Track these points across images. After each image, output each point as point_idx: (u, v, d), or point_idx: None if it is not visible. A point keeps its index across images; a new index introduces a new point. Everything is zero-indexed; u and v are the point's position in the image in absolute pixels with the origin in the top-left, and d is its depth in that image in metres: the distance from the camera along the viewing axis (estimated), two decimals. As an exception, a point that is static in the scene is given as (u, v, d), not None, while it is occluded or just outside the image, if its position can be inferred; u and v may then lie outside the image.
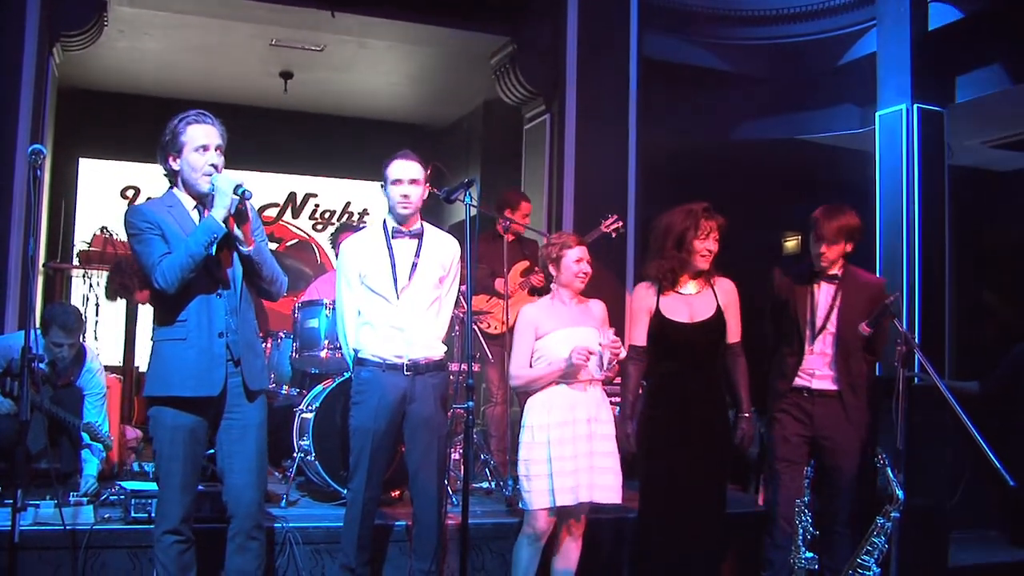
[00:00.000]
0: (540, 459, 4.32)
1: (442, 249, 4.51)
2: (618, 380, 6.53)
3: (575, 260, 4.49)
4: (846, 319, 4.62)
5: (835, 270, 4.72)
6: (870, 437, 4.61)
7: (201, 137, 3.77)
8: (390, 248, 4.40)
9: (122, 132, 9.87)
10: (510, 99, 8.61)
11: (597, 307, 4.61)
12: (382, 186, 4.46)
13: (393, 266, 4.36)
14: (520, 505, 4.48)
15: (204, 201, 3.82)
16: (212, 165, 3.76)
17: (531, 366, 4.45)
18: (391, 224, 4.45)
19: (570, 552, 4.52)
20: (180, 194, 3.85)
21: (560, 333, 4.40)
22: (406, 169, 4.39)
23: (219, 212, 3.70)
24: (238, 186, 3.71)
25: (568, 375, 4.37)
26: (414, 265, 4.39)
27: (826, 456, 4.63)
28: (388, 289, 4.35)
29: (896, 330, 4.42)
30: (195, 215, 3.82)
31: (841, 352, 4.64)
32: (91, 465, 5.37)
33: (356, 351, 4.43)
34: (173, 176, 3.85)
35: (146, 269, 3.71)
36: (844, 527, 4.55)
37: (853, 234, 4.67)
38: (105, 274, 7.49)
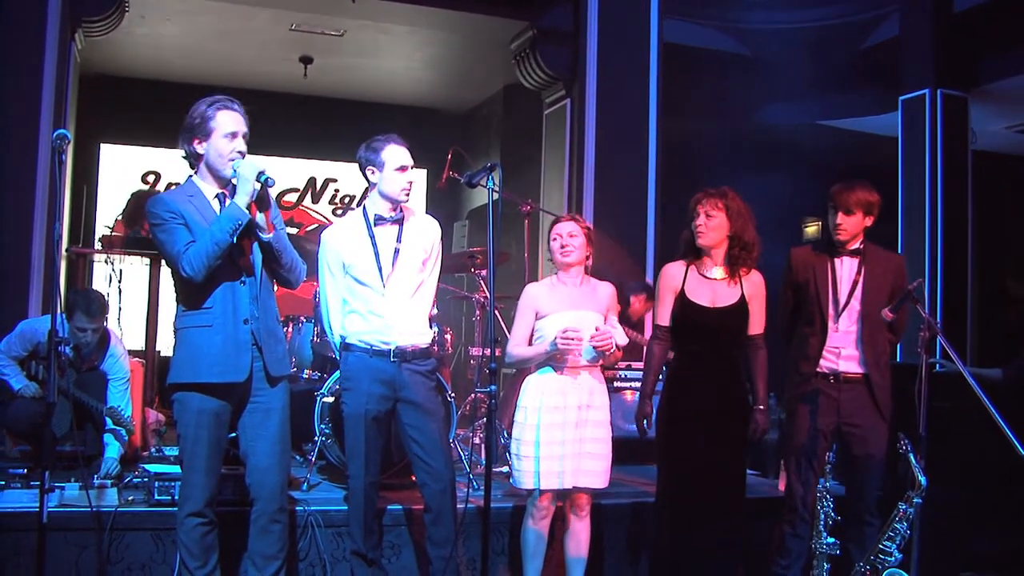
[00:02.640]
0: (529, 441, 4.33)
1: (424, 232, 4.45)
2: (622, 365, 6.61)
3: (553, 237, 4.48)
4: (870, 294, 4.53)
5: (856, 244, 4.63)
6: (893, 422, 4.53)
7: (231, 124, 3.79)
8: (372, 236, 4.33)
9: (143, 117, 9.93)
10: (530, 84, 8.59)
11: (604, 290, 4.55)
12: (368, 170, 4.33)
13: (377, 255, 4.30)
14: (512, 482, 4.46)
15: (226, 188, 3.85)
16: (239, 152, 3.78)
17: (530, 345, 4.44)
18: (373, 211, 4.37)
19: (579, 535, 4.50)
20: (201, 182, 3.86)
21: (559, 316, 4.36)
22: (407, 155, 4.32)
23: (242, 199, 3.72)
24: (260, 173, 3.72)
25: (558, 359, 4.36)
26: (396, 251, 4.33)
27: (854, 444, 4.56)
28: (374, 278, 4.29)
29: (919, 316, 4.37)
30: (215, 204, 3.84)
31: (867, 329, 4.56)
32: (113, 448, 5.41)
33: (343, 337, 4.40)
34: (195, 159, 3.84)
35: (171, 258, 3.73)
36: (873, 516, 4.48)
37: (871, 207, 4.58)
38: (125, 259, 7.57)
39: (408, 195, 4.33)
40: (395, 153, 4.31)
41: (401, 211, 4.40)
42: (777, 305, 4.81)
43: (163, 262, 7.54)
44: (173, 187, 4.21)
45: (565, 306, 4.40)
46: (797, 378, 4.69)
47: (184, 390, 3.79)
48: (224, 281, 3.78)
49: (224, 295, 3.79)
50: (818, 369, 4.60)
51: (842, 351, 4.58)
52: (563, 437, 4.32)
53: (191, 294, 3.79)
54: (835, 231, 4.61)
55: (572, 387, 4.37)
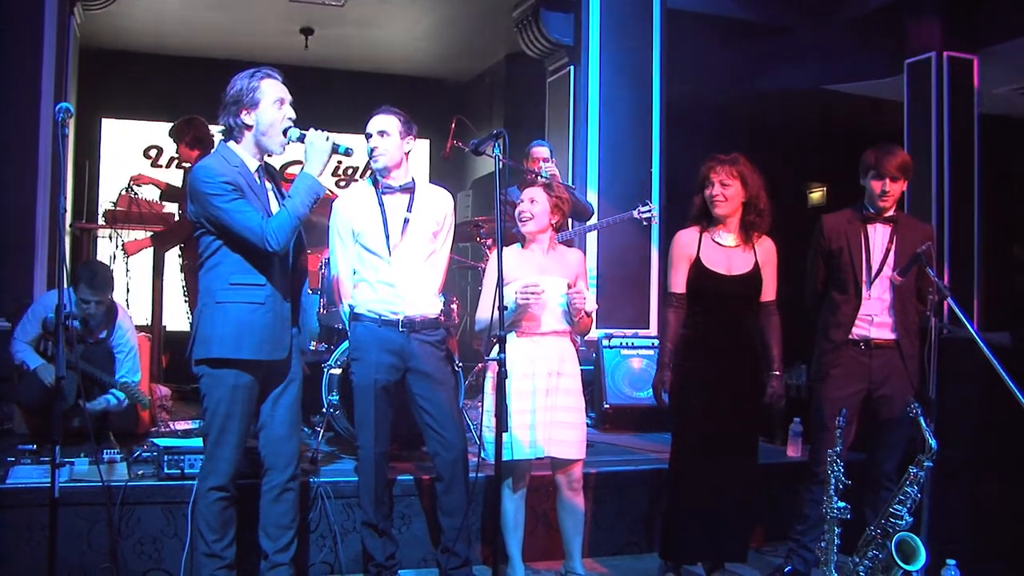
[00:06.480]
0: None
1: (435, 203, 4.45)
2: (629, 332, 6.55)
3: (519, 202, 4.44)
4: (903, 262, 4.47)
5: (889, 212, 4.58)
6: (922, 389, 4.46)
7: (277, 91, 3.80)
8: (381, 205, 4.34)
9: (144, 91, 9.89)
10: (533, 52, 8.53)
11: (573, 256, 4.53)
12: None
13: (385, 223, 4.31)
14: (483, 456, 4.40)
15: (262, 160, 3.87)
16: (290, 119, 3.81)
17: None
18: (379, 180, 4.39)
19: (574, 509, 4.45)
20: (242, 152, 3.83)
21: (524, 281, 4.30)
22: (374, 122, 4.36)
23: (315, 169, 3.77)
24: (336, 145, 3.78)
25: (522, 321, 4.32)
26: (406, 221, 4.33)
27: (882, 410, 4.55)
28: (381, 247, 4.29)
29: (929, 279, 4.34)
30: (256, 176, 3.83)
31: (898, 297, 4.52)
32: (111, 399, 5.46)
33: (352, 307, 4.41)
34: (241, 131, 3.80)
35: (245, 231, 3.67)
36: (892, 482, 4.44)
37: (910, 171, 4.55)
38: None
39: (375, 161, 4.35)
40: (367, 124, 4.38)
41: (412, 180, 4.40)
42: (808, 272, 4.80)
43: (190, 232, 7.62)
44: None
45: (531, 272, 4.35)
46: (827, 345, 4.64)
47: (220, 365, 3.76)
48: (275, 258, 3.78)
49: (277, 272, 3.81)
50: (849, 336, 4.57)
51: (874, 318, 4.55)
52: (533, 405, 4.28)
53: (244, 268, 3.76)
54: (881, 198, 4.53)
55: (541, 353, 4.33)
